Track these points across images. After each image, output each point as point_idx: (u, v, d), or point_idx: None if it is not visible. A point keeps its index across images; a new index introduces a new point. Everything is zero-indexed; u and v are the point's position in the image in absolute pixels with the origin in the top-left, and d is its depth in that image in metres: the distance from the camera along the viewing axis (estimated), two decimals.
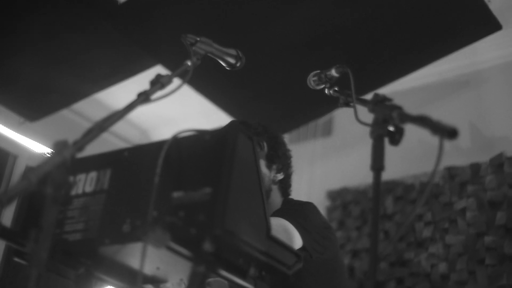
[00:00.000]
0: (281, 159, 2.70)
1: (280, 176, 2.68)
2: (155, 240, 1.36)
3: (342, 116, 5.20)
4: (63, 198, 1.35)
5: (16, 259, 1.68)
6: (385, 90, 3.75)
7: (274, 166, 2.68)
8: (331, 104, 2.34)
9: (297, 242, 2.29)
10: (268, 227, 1.52)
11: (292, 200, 2.71)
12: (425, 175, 4.55)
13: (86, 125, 5.18)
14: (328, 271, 2.49)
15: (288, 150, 2.78)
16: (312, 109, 4.61)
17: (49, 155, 1.36)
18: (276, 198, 2.67)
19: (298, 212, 2.48)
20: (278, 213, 2.47)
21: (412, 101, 3.49)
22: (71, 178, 1.58)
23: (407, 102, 1.88)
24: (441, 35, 3.91)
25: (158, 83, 1.71)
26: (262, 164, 2.60)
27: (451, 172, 4.38)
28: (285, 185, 2.73)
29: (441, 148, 1.44)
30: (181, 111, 5.78)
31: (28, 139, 4.95)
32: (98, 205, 1.56)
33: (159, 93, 1.73)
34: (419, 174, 4.58)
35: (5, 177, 4.69)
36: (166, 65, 4.20)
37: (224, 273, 1.49)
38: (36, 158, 4.83)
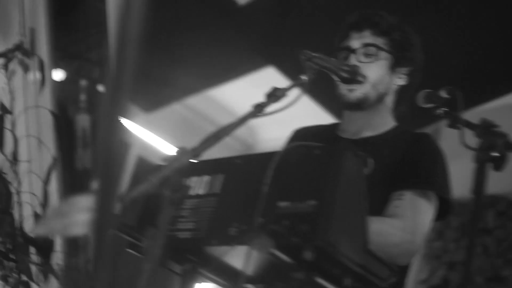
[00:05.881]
0: (409, 61, 2.29)
1: (401, 82, 2.29)
2: (259, 245, 1.46)
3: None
4: (179, 200, 1.48)
5: (130, 251, 1.81)
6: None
7: (399, 69, 2.28)
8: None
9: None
10: (365, 241, 1.58)
11: (407, 131, 2.33)
12: None
13: (195, 119, 5.41)
14: None
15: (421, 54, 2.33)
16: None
17: (169, 161, 1.49)
18: (384, 111, 2.31)
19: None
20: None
21: None
22: (186, 180, 1.70)
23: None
24: None
25: (273, 96, 1.79)
26: (384, 65, 2.26)
27: None
28: (403, 96, 2.32)
29: None
30: (288, 112, 5.86)
31: (142, 128, 5.20)
32: (209, 207, 1.67)
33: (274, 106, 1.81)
34: None
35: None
36: (279, 66, 4.31)
37: (320, 280, 1.57)
38: (148, 148, 5.05)
